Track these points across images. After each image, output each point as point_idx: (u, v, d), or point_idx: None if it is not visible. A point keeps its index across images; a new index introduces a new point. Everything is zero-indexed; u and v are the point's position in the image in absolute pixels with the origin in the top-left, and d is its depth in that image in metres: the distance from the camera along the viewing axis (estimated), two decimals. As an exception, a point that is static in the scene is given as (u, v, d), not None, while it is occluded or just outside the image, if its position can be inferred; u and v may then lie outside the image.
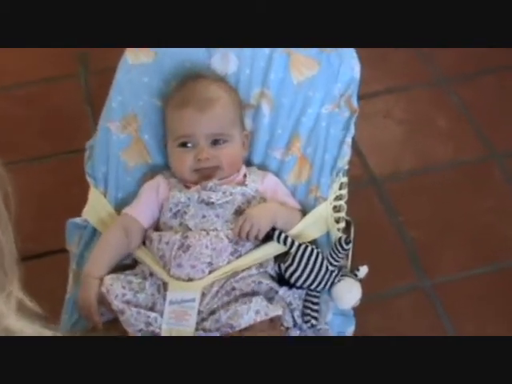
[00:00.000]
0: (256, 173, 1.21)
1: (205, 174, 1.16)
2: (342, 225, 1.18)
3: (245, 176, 1.20)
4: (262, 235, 1.09)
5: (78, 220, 1.19)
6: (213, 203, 1.12)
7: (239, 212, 1.12)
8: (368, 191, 1.50)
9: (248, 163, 1.26)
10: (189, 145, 1.17)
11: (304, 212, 1.18)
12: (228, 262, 1.07)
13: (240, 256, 1.08)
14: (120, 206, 1.19)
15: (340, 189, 1.20)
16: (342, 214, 1.19)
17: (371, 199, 1.49)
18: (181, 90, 1.20)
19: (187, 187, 1.17)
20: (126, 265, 1.14)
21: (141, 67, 1.24)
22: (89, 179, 1.22)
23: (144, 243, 1.14)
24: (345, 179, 1.21)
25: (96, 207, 1.19)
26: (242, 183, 1.18)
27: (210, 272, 1.06)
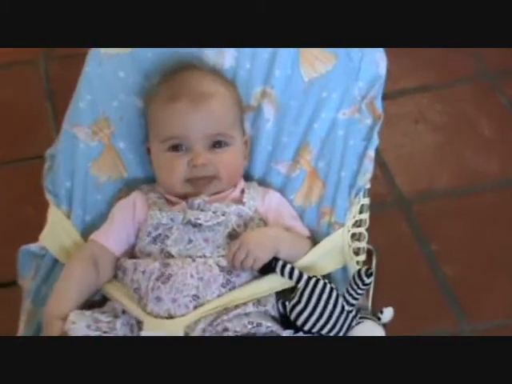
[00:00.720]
0: (256, 189, 1.22)
1: (200, 186, 1.16)
2: (363, 257, 1.19)
3: (242, 192, 1.20)
4: (258, 266, 1.09)
5: (33, 247, 1.19)
6: (201, 225, 1.12)
7: (234, 236, 1.13)
8: (394, 214, 1.51)
9: (246, 177, 1.26)
10: (182, 148, 1.17)
11: (315, 240, 1.19)
12: (218, 295, 1.07)
13: (234, 288, 1.08)
14: (87, 230, 1.20)
15: (360, 212, 1.21)
16: (363, 244, 1.20)
17: (398, 224, 1.49)
18: (169, 82, 1.21)
19: (171, 203, 1.17)
20: (93, 302, 1.14)
21: (116, 58, 1.25)
22: (48, 196, 1.22)
23: (116, 276, 1.15)
24: (366, 200, 1.22)
25: (57, 231, 1.19)
26: (239, 201, 1.18)
27: (195, 307, 1.06)
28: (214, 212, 1.13)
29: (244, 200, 1.18)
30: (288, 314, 1.09)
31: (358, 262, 1.18)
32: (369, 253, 1.21)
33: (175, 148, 1.17)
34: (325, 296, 1.07)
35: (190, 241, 1.12)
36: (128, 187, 1.25)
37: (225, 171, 1.17)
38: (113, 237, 1.16)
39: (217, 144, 1.17)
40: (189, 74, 1.21)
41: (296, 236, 1.17)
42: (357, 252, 1.19)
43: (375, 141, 1.24)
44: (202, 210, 1.14)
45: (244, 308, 1.07)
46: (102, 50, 1.24)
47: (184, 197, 1.17)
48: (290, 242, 1.14)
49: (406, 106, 1.68)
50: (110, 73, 1.25)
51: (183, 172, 1.16)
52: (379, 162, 1.50)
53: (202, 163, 1.15)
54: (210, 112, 1.17)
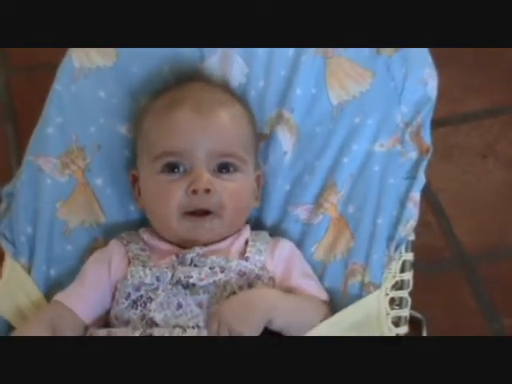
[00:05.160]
0: (264, 240, 1.22)
1: (199, 226, 1.15)
2: (404, 329, 1.18)
3: (247, 243, 1.21)
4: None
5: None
6: (194, 285, 1.13)
7: None
8: (453, 276, 1.46)
9: (256, 225, 1.27)
10: (179, 169, 1.17)
11: (336, 306, 1.18)
12: None
13: None
14: (52, 289, 1.21)
15: (402, 271, 1.20)
16: (405, 312, 1.18)
17: (458, 290, 1.45)
18: (168, 92, 1.23)
19: (159, 256, 1.17)
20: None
21: (95, 75, 1.27)
22: (4, 245, 1.23)
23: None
24: (409, 256, 1.21)
25: (13, 290, 1.20)
26: (242, 254, 1.18)
27: None
28: (210, 268, 1.14)
29: (247, 254, 1.18)
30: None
31: (397, 336, 1.16)
32: (415, 322, 1.19)
33: (171, 168, 1.17)
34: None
35: (180, 306, 1.12)
36: (105, 235, 1.26)
37: (230, 204, 1.17)
38: (83, 300, 1.16)
39: (224, 167, 1.18)
40: (193, 84, 1.22)
41: (302, 299, 1.16)
42: (397, 323, 1.17)
43: (421, 180, 1.23)
44: (195, 266, 1.14)
45: None
46: (77, 63, 1.26)
47: (180, 244, 1.17)
48: (290, 307, 1.13)
49: (471, 135, 1.64)
50: (88, 92, 1.27)
51: (180, 200, 1.16)
52: (434, 205, 1.47)
53: (204, 188, 1.15)
54: (219, 124, 1.18)
